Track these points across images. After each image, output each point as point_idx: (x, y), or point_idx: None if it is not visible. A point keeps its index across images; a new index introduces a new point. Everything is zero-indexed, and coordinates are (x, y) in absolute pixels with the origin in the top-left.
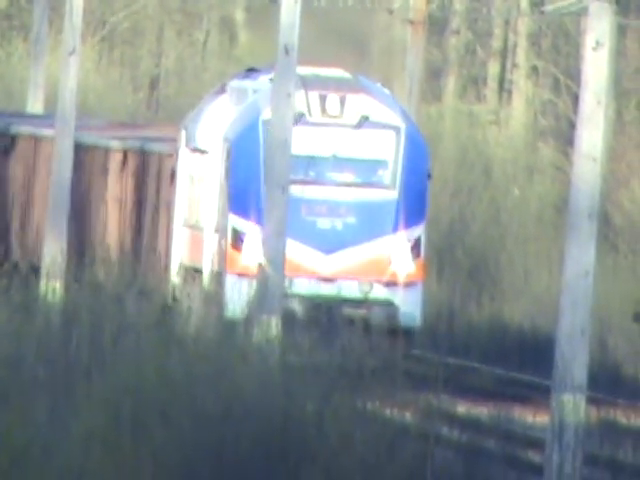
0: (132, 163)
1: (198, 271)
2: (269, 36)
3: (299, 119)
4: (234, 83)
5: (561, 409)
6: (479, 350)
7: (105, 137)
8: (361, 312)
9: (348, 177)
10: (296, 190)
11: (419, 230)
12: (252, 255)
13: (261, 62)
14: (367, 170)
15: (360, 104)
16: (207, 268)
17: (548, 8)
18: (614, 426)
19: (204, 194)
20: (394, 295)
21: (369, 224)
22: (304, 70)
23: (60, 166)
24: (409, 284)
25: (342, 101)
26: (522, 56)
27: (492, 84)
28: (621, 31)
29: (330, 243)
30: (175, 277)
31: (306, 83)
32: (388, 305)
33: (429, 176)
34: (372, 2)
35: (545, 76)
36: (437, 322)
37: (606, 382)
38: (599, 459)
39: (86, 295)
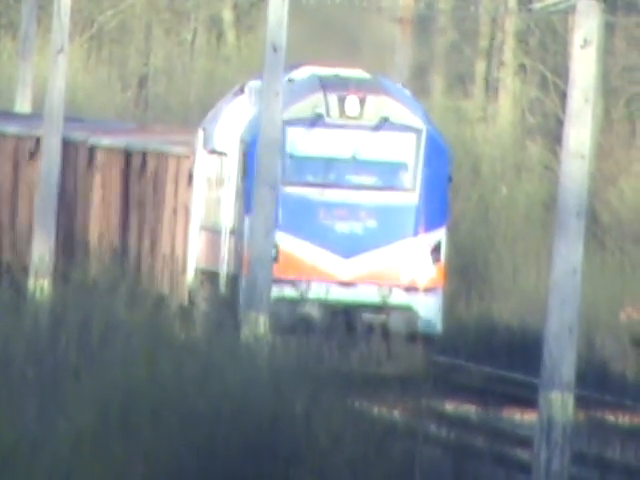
0: (151, 165)
1: (215, 274)
2: (257, 35)
3: (317, 120)
4: (252, 83)
5: (549, 407)
6: (468, 348)
7: (123, 140)
8: (380, 318)
9: (367, 180)
10: (314, 193)
11: (439, 234)
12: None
13: (249, 61)
14: (387, 173)
15: (380, 105)
16: (224, 271)
17: (536, 6)
18: (602, 424)
19: (221, 196)
20: (414, 301)
21: (389, 228)
22: (323, 71)
23: (48, 165)
24: (429, 289)
25: (361, 102)
26: (509, 54)
27: (479, 82)
28: (609, 29)
29: (349, 247)
30: (192, 280)
31: (325, 84)
32: (408, 311)
33: (450, 179)
34: (361, 0)
35: (533, 74)
36: None
37: (594, 380)
38: (587, 457)
39: (74, 294)
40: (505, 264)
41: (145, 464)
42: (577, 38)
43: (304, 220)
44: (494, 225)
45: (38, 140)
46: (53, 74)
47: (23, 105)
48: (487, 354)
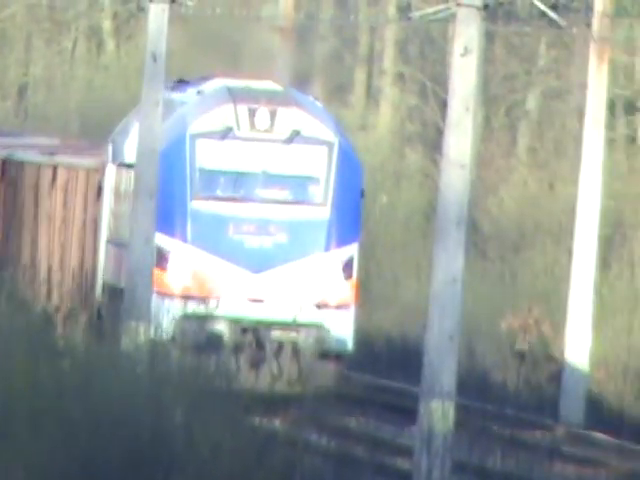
0: (61, 179)
1: (119, 289)
2: (137, 44)
3: (227, 133)
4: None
5: (430, 416)
6: (348, 357)
7: (35, 153)
8: (290, 335)
9: (278, 194)
10: (224, 207)
11: (351, 250)
12: (178, 274)
13: (128, 70)
14: (298, 187)
15: (291, 118)
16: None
17: (416, 14)
18: (482, 433)
19: (129, 210)
20: (325, 318)
21: (299, 243)
22: (233, 82)
23: None
24: (341, 306)
25: (272, 115)
26: (389, 62)
27: (359, 90)
28: (489, 37)
29: (259, 262)
30: (100, 295)
31: (235, 96)
32: (319, 328)
33: (363, 194)
34: (241, 9)
35: (412, 82)
36: None
37: (475, 389)
38: (468, 466)
39: None
40: (385, 273)
41: (24, 473)
42: (457, 46)
43: (213, 235)
44: (374, 234)
45: None
46: None
47: None
48: (368, 363)
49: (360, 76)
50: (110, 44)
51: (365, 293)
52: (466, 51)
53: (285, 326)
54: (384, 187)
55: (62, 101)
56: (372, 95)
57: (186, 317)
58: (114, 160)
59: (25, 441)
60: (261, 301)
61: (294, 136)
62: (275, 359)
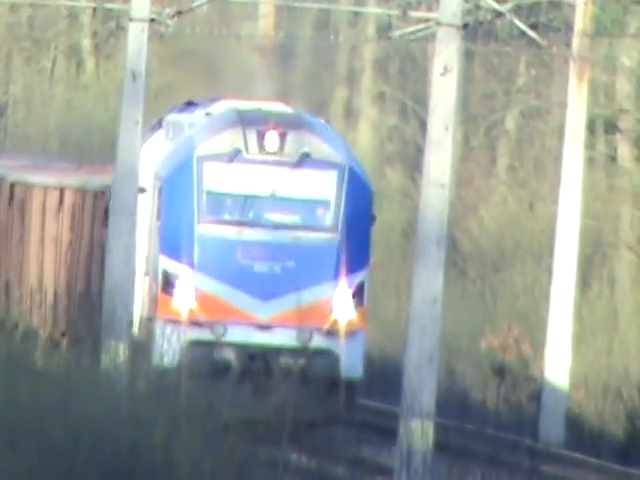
0: (69, 201)
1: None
2: (116, 62)
3: (235, 156)
4: (170, 117)
5: (409, 436)
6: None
7: (42, 175)
8: (299, 362)
9: (287, 218)
10: (232, 232)
11: (362, 276)
12: (184, 300)
13: (108, 89)
14: (307, 211)
15: (301, 141)
16: (137, 313)
17: (396, 34)
18: (462, 452)
19: (136, 234)
20: (335, 345)
21: (309, 269)
22: (242, 104)
23: None
24: (351, 333)
25: (282, 137)
26: (368, 82)
27: (338, 110)
28: (468, 56)
29: (267, 288)
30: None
31: (243, 118)
32: (328, 355)
33: (373, 219)
34: (220, 28)
35: (392, 102)
36: None
37: (454, 408)
38: None
39: None
40: None
41: None
42: (437, 66)
43: (220, 260)
44: None
45: None
46: None
47: None
48: None
49: (339, 95)
50: (89, 63)
51: None
52: (446, 70)
53: (294, 353)
54: None
55: (42, 120)
56: (351, 114)
57: (193, 344)
58: None
59: (2, 460)
60: (269, 328)
61: (304, 159)
62: (283, 386)
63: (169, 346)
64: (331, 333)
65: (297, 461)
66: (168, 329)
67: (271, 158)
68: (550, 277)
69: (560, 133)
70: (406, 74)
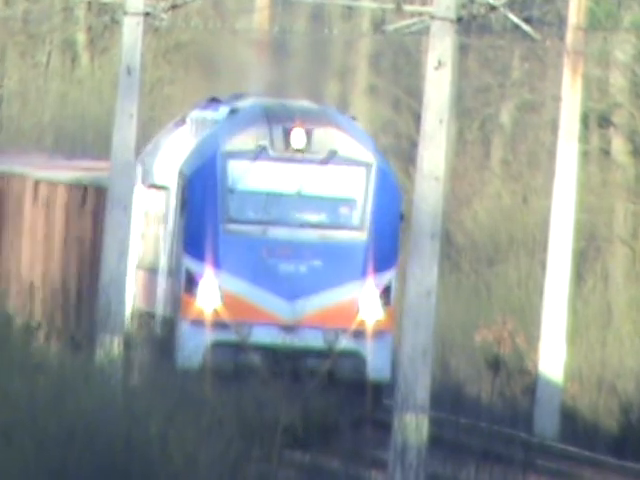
0: (91, 200)
1: (152, 316)
2: (111, 57)
3: (261, 153)
4: (194, 114)
5: (403, 429)
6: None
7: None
8: (326, 364)
9: (314, 217)
10: (257, 231)
11: (389, 276)
12: (208, 301)
13: (103, 83)
14: (334, 210)
15: (328, 138)
16: (159, 313)
17: (390, 27)
18: (457, 446)
19: (159, 233)
20: (362, 346)
21: (336, 268)
22: (267, 101)
23: None
24: (378, 334)
25: (308, 134)
26: (362, 75)
27: (332, 103)
28: (462, 50)
29: (293, 288)
30: (129, 321)
31: (269, 115)
32: (355, 357)
33: (402, 217)
34: (215, 22)
35: (385, 95)
36: None
37: (449, 402)
38: (442, 479)
39: None
40: None
41: None
42: (431, 59)
43: (245, 259)
44: None
45: None
46: None
47: None
48: None
49: (333, 89)
50: (84, 57)
51: None
52: (440, 64)
53: (320, 354)
54: None
55: (36, 114)
56: (345, 108)
57: (217, 345)
58: (143, 181)
59: None
60: (295, 329)
61: (330, 157)
62: (310, 388)
63: (193, 348)
64: (358, 334)
65: (293, 457)
66: (192, 330)
67: (297, 155)
68: (544, 271)
69: (554, 127)
70: (399, 68)
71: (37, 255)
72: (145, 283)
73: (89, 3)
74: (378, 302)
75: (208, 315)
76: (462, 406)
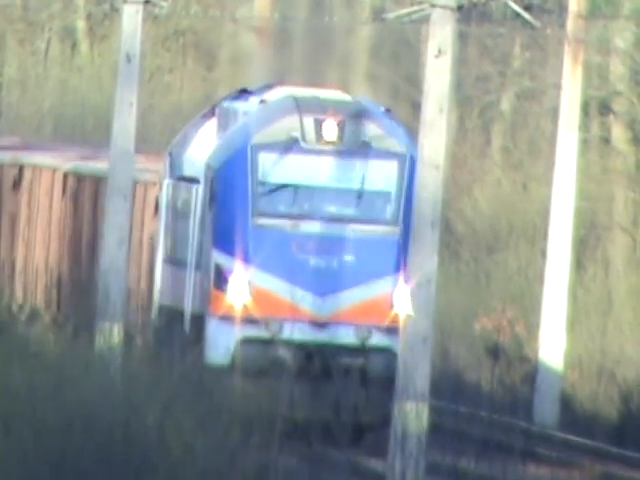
0: (91, 188)
1: (180, 312)
2: (110, 44)
3: (292, 145)
4: (223, 105)
5: (403, 417)
6: None
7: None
8: (358, 361)
9: (346, 211)
10: (287, 225)
11: None
12: (238, 296)
13: (103, 71)
14: (367, 203)
15: (360, 129)
16: (188, 309)
17: (390, 16)
18: (456, 434)
19: (187, 227)
20: (395, 343)
21: (368, 263)
22: (299, 91)
23: None
24: None
25: (340, 126)
26: (362, 63)
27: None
28: (462, 38)
29: (324, 284)
30: (156, 317)
31: (301, 106)
32: (388, 354)
33: None
34: (215, 10)
35: (385, 83)
36: None
37: (449, 390)
38: (441, 467)
39: None
40: None
41: None
42: (431, 48)
43: (276, 254)
44: None
45: None
46: None
47: None
48: None
49: (333, 77)
50: (84, 45)
51: None
52: (440, 52)
53: (352, 351)
54: None
55: (36, 102)
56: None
57: (247, 341)
58: (171, 174)
59: None
60: (327, 325)
61: (363, 149)
62: (342, 386)
63: (222, 344)
64: (391, 330)
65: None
66: (221, 326)
67: (329, 148)
68: (544, 259)
69: (554, 115)
70: (399, 56)
71: (38, 243)
72: (172, 278)
73: None
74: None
75: (238, 311)
76: (462, 394)
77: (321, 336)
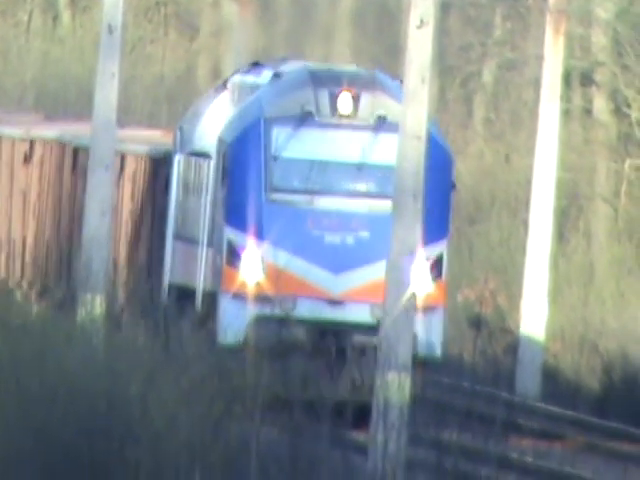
0: (130, 169)
1: (191, 290)
2: (92, 16)
3: (306, 119)
4: (236, 78)
5: (386, 389)
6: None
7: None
8: (373, 340)
9: (361, 186)
10: (302, 200)
11: (440, 247)
12: (251, 273)
13: (85, 42)
14: (383, 178)
15: (376, 103)
16: (200, 287)
17: None
18: (439, 405)
19: (199, 203)
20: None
21: (384, 240)
22: (313, 65)
23: None
24: (428, 309)
25: (356, 99)
26: (345, 34)
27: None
28: (444, 8)
29: (339, 261)
30: (166, 295)
31: (315, 79)
32: None
33: (453, 187)
34: None
35: (367, 54)
36: None
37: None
38: (424, 438)
39: None
40: None
41: None
42: (413, 18)
43: (290, 231)
44: None
45: None
46: None
47: None
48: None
49: (315, 47)
50: (66, 16)
51: None
52: (422, 23)
53: (368, 330)
54: None
55: (18, 73)
56: None
57: (260, 319)
58: (182, 149)
59: None
60: (341, 303)
61: (379, 123)
62: (356, 365)
63: (235, 322)
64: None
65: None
66: (234, 304)
67: (344, 122)
68: (526, 229)
69: (536, 86)
70: (381, 28)
71: (20, 214)
72: (183, 255)
73: None
74: (428, 275)
75: (251, 288)
76: (444, 365)
77: (335, 314)
